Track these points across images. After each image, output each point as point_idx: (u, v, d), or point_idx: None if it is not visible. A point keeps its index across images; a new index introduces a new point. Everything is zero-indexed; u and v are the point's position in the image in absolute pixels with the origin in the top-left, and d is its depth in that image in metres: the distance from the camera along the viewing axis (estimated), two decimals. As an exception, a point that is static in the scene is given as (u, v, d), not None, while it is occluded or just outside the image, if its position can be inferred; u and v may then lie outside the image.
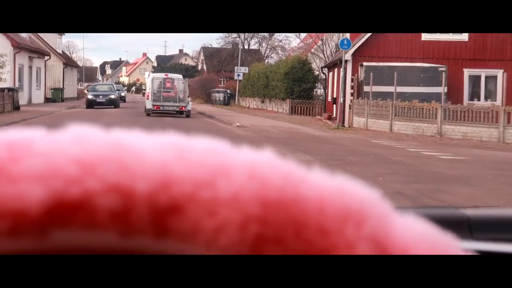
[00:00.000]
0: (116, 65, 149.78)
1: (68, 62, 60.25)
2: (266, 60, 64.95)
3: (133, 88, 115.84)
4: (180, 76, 36.44)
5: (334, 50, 52.19)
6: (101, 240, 0.37)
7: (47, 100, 49.76)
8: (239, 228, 0.38)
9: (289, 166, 0.41)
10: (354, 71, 29.11)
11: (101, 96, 42.66)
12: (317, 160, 13.48)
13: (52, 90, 51.88)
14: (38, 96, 47.69)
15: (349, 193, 0.40)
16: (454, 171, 12.67)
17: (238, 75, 55.19)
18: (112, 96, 42.96)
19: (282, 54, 66.18)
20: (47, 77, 51.84)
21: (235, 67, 57.27)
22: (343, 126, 27.83)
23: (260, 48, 70.13)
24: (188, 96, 34.86)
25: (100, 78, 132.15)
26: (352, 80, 29.06)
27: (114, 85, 50.94)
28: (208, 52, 79.78)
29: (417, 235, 0.41)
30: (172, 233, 0.38)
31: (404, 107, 24.43)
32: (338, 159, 13.94)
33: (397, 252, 0.39)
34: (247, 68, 55.23)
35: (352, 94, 29.07)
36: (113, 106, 41.50)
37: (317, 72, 47.12)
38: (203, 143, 0.41)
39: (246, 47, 68.03)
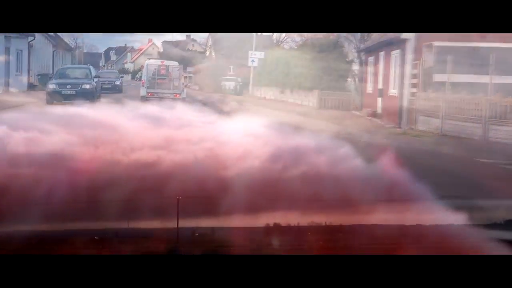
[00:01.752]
0: (121, 51, 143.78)
1: (60, 44, 53.25)
2: (282, 45, 57.82)
3: (138, 75, 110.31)
4: (176, 63, 35.34)
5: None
6: None
7: (33, 87, 42.92)
8: None
9: None
10: (417, 55, 21.70)
11: (68, 86, 27.73)
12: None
13: (39, 76, 45.07)
14: (19, 83, 40.49)
15: None
16: None
17: (253, 60, 47.55)
18: (87, 86, 27.95)
19: (300, 39, 59.21)
20: (33, 61, 45.00)
21: (249, 52, 49.56)
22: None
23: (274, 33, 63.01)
24: (183, 83, 34.67)
25: (103, 64, 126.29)
26: (414, 66, 21.62)
27: (92, 69, 33.19)
28: (217, 38, 74.02)
29: None
30: None
31: (507, 105, 16.95)
32: None
33: None
34: (263, 53, 47.68)
35: (414, 85, 21.67)
36: (88, 101, 26.12)
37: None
38: None
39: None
